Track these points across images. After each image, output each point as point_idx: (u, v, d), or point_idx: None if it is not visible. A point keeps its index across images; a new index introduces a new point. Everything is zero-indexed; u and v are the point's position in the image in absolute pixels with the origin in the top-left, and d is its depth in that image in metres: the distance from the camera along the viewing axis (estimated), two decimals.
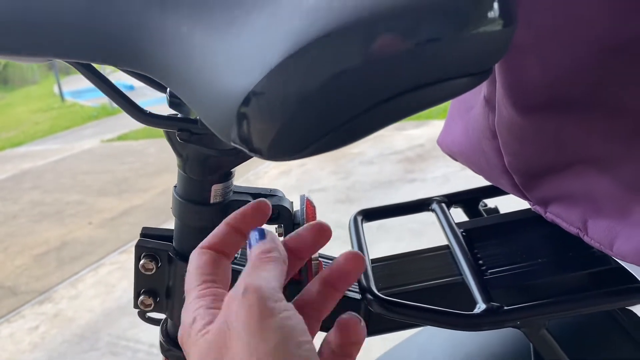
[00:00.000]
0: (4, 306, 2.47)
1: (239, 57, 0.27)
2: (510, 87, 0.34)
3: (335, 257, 0.48)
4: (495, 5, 0.27)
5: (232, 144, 0.27)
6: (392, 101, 0.27)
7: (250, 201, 0.41)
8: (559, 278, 0.42)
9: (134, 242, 0.43)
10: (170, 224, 0.43)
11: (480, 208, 0.55)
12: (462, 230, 0.48)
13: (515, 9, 0.29)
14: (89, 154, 5.66)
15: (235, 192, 0.42)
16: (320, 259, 0.46)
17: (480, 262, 0.44)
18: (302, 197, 0.44)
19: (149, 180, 4.10)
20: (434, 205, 0.51)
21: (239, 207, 0.41)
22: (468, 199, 0.53)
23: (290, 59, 0.25)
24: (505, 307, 0.38)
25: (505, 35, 0.28)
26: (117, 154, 5.37)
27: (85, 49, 0.32)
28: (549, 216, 0.41)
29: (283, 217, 0.41)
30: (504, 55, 0.29)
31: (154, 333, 1.97)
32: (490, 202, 0.57)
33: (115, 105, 0.36)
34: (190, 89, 0.29)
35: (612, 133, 0.33)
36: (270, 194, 0.42)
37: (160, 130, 0.39)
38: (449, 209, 0.51)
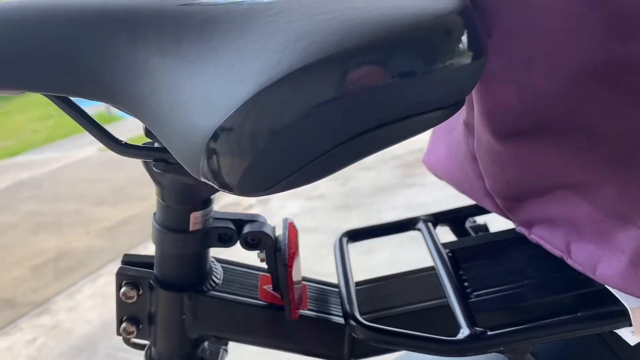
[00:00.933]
0: (1, 318, 2.46)
1: (208, 91, 0.27)
2: (487, 114, 0.34)
3: (321, 280, 0.47)
4: (465, 39, 0.27)
5: (202, 179, 0.27)
6: (363, 136, 0.27)
7: (230, 227, 0.41)
8: (544, 300, 0.42)
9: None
10: None
11: (469, 225, 0.55)
12: (448, 250, 0.47)
13: (485, 43, 0.29)
14: (86, 163, 5.65)
15: (215, 219, 0.41)
16: (304, 282, 0.46)
17: (466, 284, 0.44)
18: (285, 221, 0.44)
19: (147, 189, 4.08)
20: (420, 225, 0.51)
21: (219, 234, 0.40)
22: (455, 218, 0.52)
23: (260, 94, 0.25)
24: (489, 332, 0.38)
25: (476, 68, 0.28)
26: (115, 162, 5.36)
27: (59, 82, 0.32)
28: (533, 238, 0.41)
29: (264, 243, 0.41)
30: (475, 87, 0.29)
31: None
32: (480, 218, 0.56)
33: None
34: (160, 122, 0.29)
35: (590, 160, 0.33)
36: (251, 220, 0.42)
37: None
38: (435, 228, 0.51)
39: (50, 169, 5.60)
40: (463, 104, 0.29)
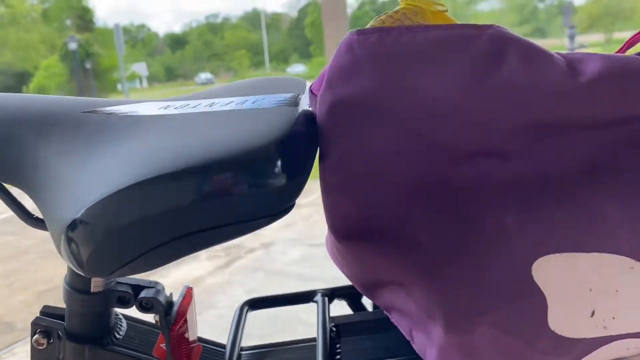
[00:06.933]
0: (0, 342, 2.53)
1: (77, 189, 0.34)
2: (330, 218, 0.40)
3: (216, 342, 0.53)
4: (280, 164, 0.34)
5: (64, 259, 0.34)
6: (194, 236, 0.33)
7: (128, 292, 0.47)
8: None
9: None
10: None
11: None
12: (333, 324, 0.53)
13: (303, 164, 0.35)
14: None
15: (118, 283, 0.48)
16: (199, 343, 0.52)
17: (338, 357, 0.49)
18: (184, 288, 0.50)
19: None
20: (318, 297, 0.56)
21: (118, 296, 0.47)
22: (350, 293, 0.58)
23: (105, 199, 0.32)
24: None
25: (295, 184, 0.35)
26: None
27: None
28: (393, 321, 0.47)
29: (156, 308, 0.47)
30: (297, 197, 0.36)
31: None
32: None
33: None
34: (45, 209, 0.36)
35: (407, 263, 0.39)
36: (148, 286, 0.48)
37: None
38: (331, 302, 0.56)
39: None
40: (288, 211, 0.36)
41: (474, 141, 0.37)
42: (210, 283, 2.79)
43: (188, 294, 0.50)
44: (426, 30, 0.35)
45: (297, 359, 0.50)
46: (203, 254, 3.18)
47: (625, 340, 0.39)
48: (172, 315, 0.47)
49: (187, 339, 0.48)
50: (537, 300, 0.37)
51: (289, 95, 0.41)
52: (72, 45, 17.23)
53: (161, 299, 0.47)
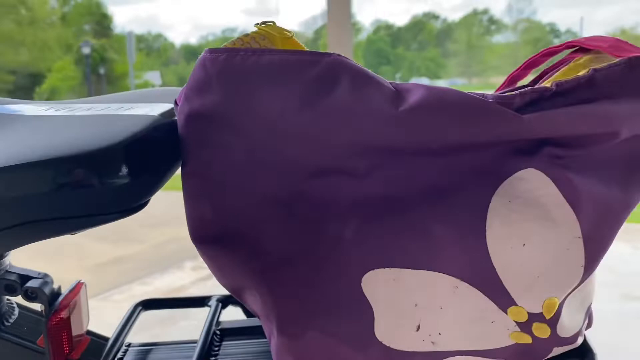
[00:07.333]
0: None
1: None
2: (189, 220, 0.43)
3: (105, 337, 0.56)
4: (123, 165, 0.37)
5: None
6: (41, 223, 0.36)
7: (15, 280, 0.50)
8: None
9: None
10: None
11: None
12: (219, 328, 0.55)
13: (155, 167, 0.38)
14: None
15: (7, 272, 0.50)
16: (88, 336, 0.54)
17: (213, 359, 0.52)
18: (74, 283, 0.53)
19: (148, 231, 4.21)
20: (212, 302, 0.59)
21: (5, 284, 0.50)
22: None
23: None
24: None
25: (143, 185, 0.37)
26: None
27: None
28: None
29: (40, 298, 0.50)
30: (148, 197, 0.39)
31: None
32: None
33: None
34: None
35: (253, 269, 0.41)
36: (36, 277, 0.51)
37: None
38: (224, 307, 0.59)
39: None
40: (139, 209, 0.39)
41: (317, 159, 0.39)
42: (190, 293, 2.80)
43: (77, 288, 0.52)
44: (270, 54, 0.38)
45: (175, 358, 0.53)
46: (188, 263, 3.19)
47: (457, 357, 0.42)
48: (55, 305, 0.50)
49: (71, 330, 0.50)
50: (364, 311, 0.39)
51: (165, 105, 0.44)
52: (86, 50, 17.51)
53: (46, 289, 0.50)
